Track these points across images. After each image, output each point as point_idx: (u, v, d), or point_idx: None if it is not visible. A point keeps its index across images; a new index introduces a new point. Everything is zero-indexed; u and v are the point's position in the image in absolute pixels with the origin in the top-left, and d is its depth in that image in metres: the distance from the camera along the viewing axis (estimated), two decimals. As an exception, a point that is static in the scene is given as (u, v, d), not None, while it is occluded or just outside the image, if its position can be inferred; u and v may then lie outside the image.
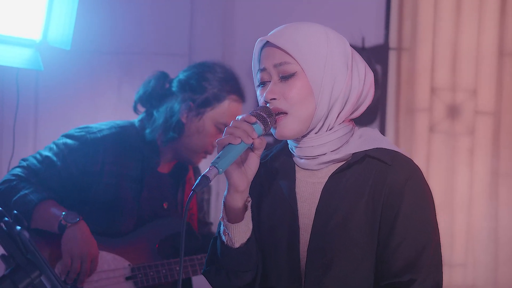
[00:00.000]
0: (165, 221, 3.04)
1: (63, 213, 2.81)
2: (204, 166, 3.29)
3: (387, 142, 1.96)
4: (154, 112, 3.03)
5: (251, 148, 1.87)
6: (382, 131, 4.31)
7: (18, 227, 1.52)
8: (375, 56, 4.26)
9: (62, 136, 2.98)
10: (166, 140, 3.00)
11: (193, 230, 3.12)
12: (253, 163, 1.88)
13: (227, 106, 3.00)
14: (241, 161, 1.88)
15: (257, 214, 2.00)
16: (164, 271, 2.98)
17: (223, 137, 1.84)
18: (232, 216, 1.90)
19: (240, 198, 1.88)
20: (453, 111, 4.31)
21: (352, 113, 1.97)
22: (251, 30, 4.39)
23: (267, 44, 1.94)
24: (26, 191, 2.82)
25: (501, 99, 4.26)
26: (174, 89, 3.01)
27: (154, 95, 3.04)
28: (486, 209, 4.26)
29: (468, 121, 4.29)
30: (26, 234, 1.52)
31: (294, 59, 1.89)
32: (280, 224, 1.96)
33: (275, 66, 1.90)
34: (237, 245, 1.91)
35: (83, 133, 2.97)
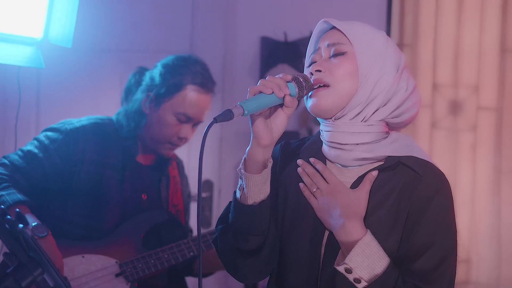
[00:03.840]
0: (146, 215, 3.07)
1: (33, 223, 2.75)
2: (179, 155, 3.33)
3: (420, 151, 1.97)
4: (126, 104, 3.10)
5: (281, 106, 1.89)
6: (384, 127, 4.31)
7: (20, 225, 1.52)
8: (377, 53, 4.26)
9: (43, 130, 3.03)
10: (129, 129, 3.02)
11: (177, 219, 3.15)
12: (281, 122, 1.90)
13: (184, 95, 3.01)
14: (270, 117, 1.90)
15: (284, 203, 2.03)
16: (152, 261, 3.01)
17: (255, 86, 1.87)
18: (250, 167, 1.91)
19: (262, 154, 1.90)
20: (455, 107, 4.31)
21: (392, 118, 1.98)
22: (252, 28, 4.38)
23: (329, 30, 2.00)
24: (3, 192, 2.80)
25: (503, 95, 4.26)
26: (144, 81, 3.04)
27: (130, 90, 3.10)
28: (489, 206, 4.25)
29: (470, 117, 4.29)
30: (28, 232, 1.52)
31: (349, 41, 1.94)
32: (306, 218, 1.98)
33: (329, 45, 1.96)
34: (250, 201, 1.91)
35: (62, 124, 3.02)
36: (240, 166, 1.93)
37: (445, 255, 1.89)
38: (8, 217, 1.53)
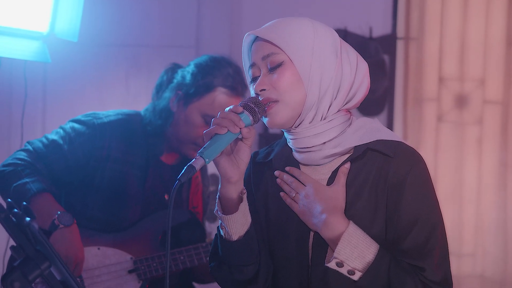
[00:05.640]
0: (166, 213, 3.02)
1: (58, 212, 2.75)
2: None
3: (388, 132, 1.96)
4: (156, 101, 3.06)
5: (241, 139, 1.88)
6: (390, 121, 4.31)
7: (27, 219, 1.52)
8: (383, 46, 4.25)
9: (70, 121, 2.98)
10: (156, 126, 3.00)
11: (198, 220, 3.12)
12: (244, 153, 1.88)
13: (213, 98, 2.94)
14: (232, 152, 1.89)
15: (265, 213, 2.02)
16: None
17: (209, 128, 1.84)
18: (226, 207, 1.90)
19: (234, 190, 1.89)
20: (461, 101, 4.30)
21: (347, 103, 1.97)
22: (258, 22, 4.37)
23: (256, 39, 1.97)
24: (28, 180, 2.78)
25: (509, 89, 4.25)
26: (175, 79, 3.02)
27: (162, 86, 3.06)
28: (495, 200, 4.25)
29: (476, 111, 4.28)
30: (35, 225, 1.53)
31: (281, 49, 1.90)
32: (289, 222, 1.97)
33: (263, 58, 1.92)
34: (235, 237, 1.91)
35: (90, 118, 2.97)
36: (216, 207, 1.92)
37: (432, 229, 1.88)
38: (15, 210, 1.54)
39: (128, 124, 3.01)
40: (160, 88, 3.06)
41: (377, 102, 4.25)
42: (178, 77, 3.00)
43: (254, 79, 1.95)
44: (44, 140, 2.91)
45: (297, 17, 1.97)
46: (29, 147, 2.89)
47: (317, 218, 1.89)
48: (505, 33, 4.25)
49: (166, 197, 3.06)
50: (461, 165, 4.27)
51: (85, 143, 2.92)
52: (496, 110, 4.27)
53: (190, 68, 3.00)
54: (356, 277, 1.85)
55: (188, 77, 2.97)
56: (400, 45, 4.33)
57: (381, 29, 4.30)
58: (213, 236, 2.06)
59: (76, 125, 2.95)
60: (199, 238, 3.09)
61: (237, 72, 3.00)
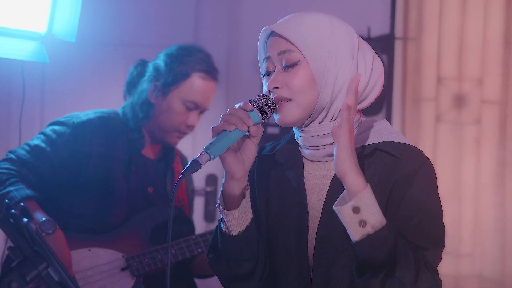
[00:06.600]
0: (155, 209, 3.07)
1: (40, 220, 2.74)
2: (183, 148, 3.37)
3: (397, 134, 1.95)
4: (131, 97, 3.12)
5: (248, 136, 1.87)
6: (389, 121, 4.29)
7: (25, 219, 1.52)
8: (381, 46, 4.25)
9: (49, 124, 3.03)
10: (137, 120, 3.04)
11: (186, 215, 3.15)
12: (250, 151, 1.88)
13: (192, 83, 3.03)
14: (238, 149, 1.88)
15: (266, 206, 2.02)
16: (159, 256, 3.00)
17: (218, 124, 1.84)
18: (228, 203, 1.90)
19: (237, 186, 1.89)
20: (459, 101, 4.30)
21: (359, 103, 1.96)
22: (257, 21, 4.38)
23: (273, 33, 1.95)
24: (12, 188, 2.80)
25: (507, 88, 4.25)
26: (148, 72, 3.06)
27: (133, 82, 3.12)
28: (493, 199, 4.25)
29: (474, 111, 4.28)
30: (32, 226, 1.53)
31: (298, 48, 1.89)
32: (289, 216, 1.97)
33: (279, 54, 1.91)
34: (234, 232, 1.91)
35: (69, 118, 3.03)
36: (218, 202, 1.92)
37: (436, 219, 1.87)
38: (13, 211, 1.54)
39: (107, 121, 3.06)
40: (131, 85, 3.13)
41: (375, 101, 4.23)
42: (150, 70, 3.07)
43: (267, 73, 1.95)
44: (25, 147, 2.94)
45: (315, 14, 1.95)
46: (12, 156, 2.92)
47: (349, 161, 1.78)
48: (503, 33, 4.25)
49: (150, 190, 3.08)
50: (459, 165, 4.27)
51: (68, 143, 2.95)
52: (494, 109, 4.27)
53: (162, 59, 3.07)
54: (364, 232, 1.76)
55: (163, 68, 3.04)
56: (398, 45, 4.33)
57: (379, 29, 4.30)
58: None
59: (56, 127, 2.98)
60: (188, 232, 3.12)
61: (208, 57, 3.10)
